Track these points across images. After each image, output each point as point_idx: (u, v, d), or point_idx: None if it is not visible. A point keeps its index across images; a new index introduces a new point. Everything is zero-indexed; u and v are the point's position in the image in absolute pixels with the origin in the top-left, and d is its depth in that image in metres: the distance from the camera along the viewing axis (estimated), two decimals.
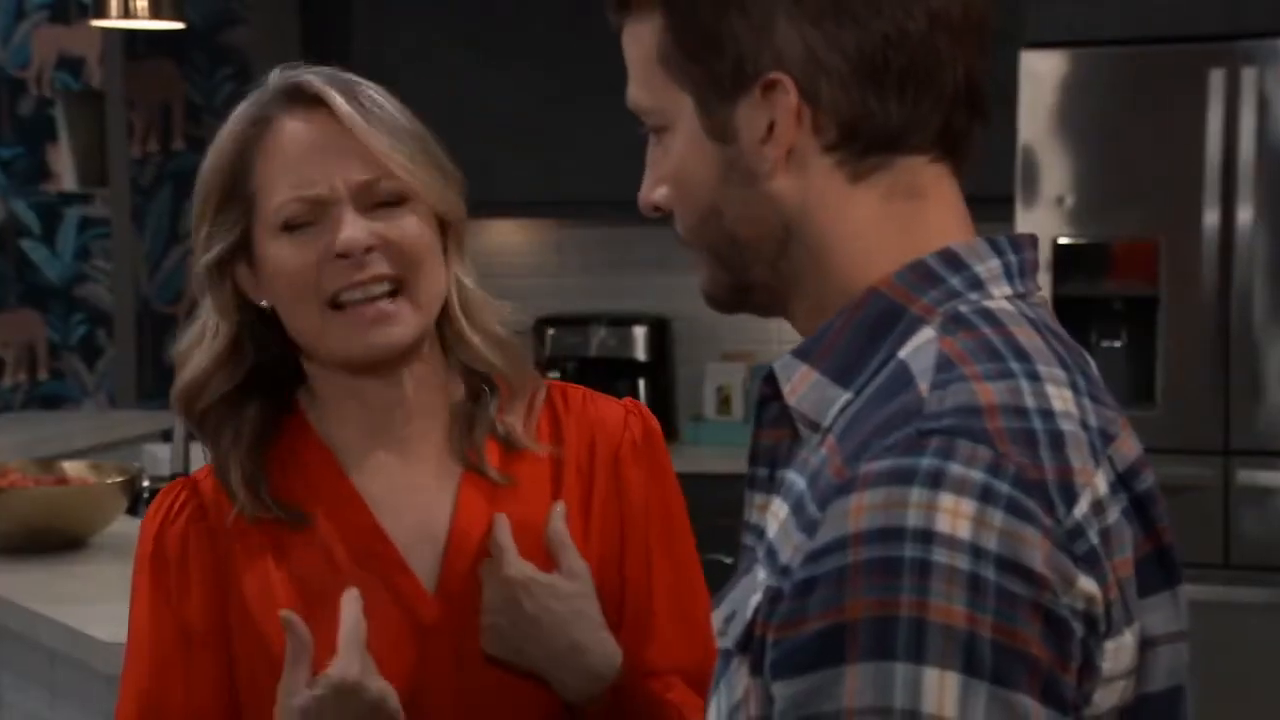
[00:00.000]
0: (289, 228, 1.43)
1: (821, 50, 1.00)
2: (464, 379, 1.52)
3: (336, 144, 1.42)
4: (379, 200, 1.43)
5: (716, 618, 1.04)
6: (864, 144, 1.02)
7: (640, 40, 1.07)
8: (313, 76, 1.46)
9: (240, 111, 1.47)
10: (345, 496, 1.49)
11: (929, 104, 1.02)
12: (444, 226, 1.47)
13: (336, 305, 1.42)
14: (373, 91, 1.46)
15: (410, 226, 1.43)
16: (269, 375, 1.50)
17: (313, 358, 1.48)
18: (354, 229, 1.41)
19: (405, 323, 1.43)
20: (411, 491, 1.50)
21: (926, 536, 0.89)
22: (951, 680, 0.88)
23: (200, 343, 1.48)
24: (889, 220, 1.03)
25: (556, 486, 1.52)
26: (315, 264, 1.41)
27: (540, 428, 1.54)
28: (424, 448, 1.51)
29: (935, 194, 1.04)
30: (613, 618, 1.49)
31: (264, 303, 1.47)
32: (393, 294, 1.43)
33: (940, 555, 0.88)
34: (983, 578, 0.88)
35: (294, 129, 1.43)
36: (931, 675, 0.88)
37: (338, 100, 1.43)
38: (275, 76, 1.48)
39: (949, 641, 0.88)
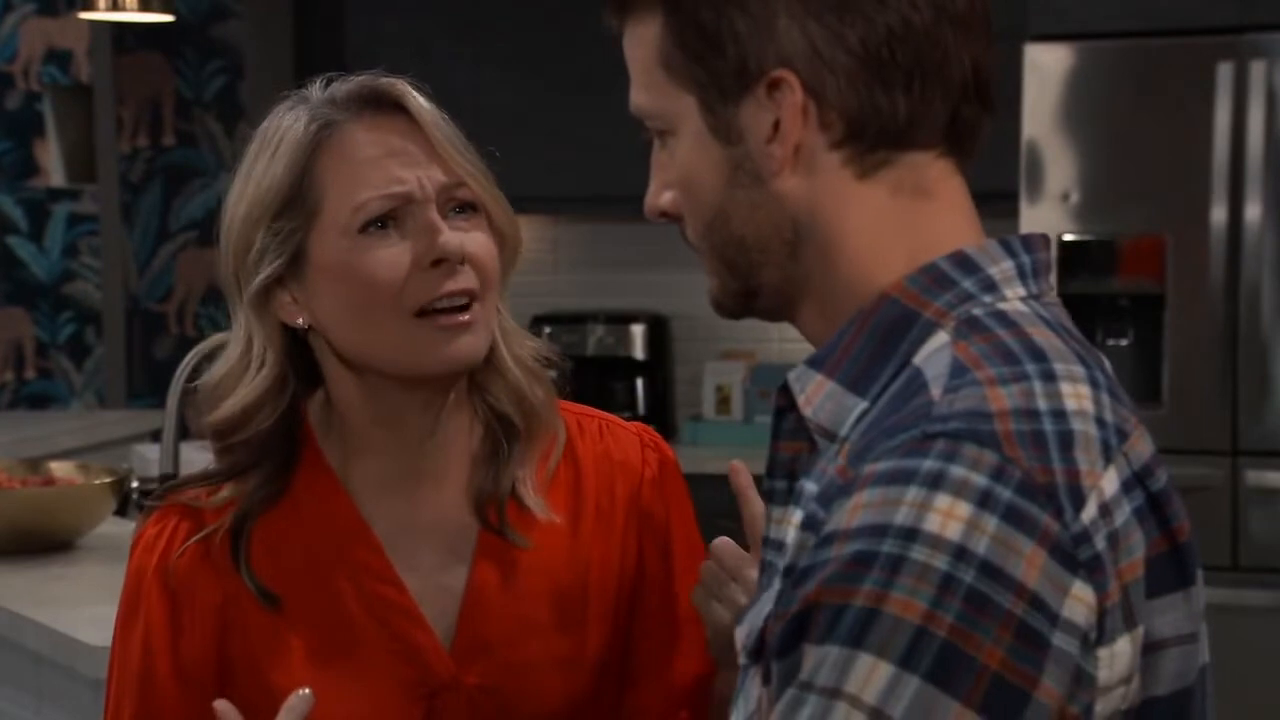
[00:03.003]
0: (365, 230, 1.38)
1: (825, 46, 0.99)
2: (484, 425, 1.47)
3: (417, 147, 1.40)
4: (454, 208, 1.40)
5: (739, 635, 1.04)
6: (871, 140, 1.01)
7: (641, 42, 1.06)
8: (388, 79, 1.43)
9: (289, 122, 1.42)
10: (360, 541, 1.44)
11: (936, 97, 1.01)
12: (500, 247, 1.44)
13: (419, 314, 1.38)
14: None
15: (484, 241, 1.41)
16: (301, 412, 1.45)
17: (366, 377, 1.42)
18: (452, 234, 1.38)
19: (481, 334, 1.40)
20: (429, 537, 1.46)
21: (910, 534, 0.89)
22: (883, 669, 0.88)
23: (244, 373, 1.43)
24: (896, 217, 1.02)
25: (576, 525, 1.49)
26: (407, 268, 1.37)
27: (558, 470, 1.50)
28: (443, 492, 1.46)
29: (942, 192, 1.04)
30: (628, 647, 1.50)
31: (300, 322, 1.42)
32: (466, 306, 1.40)
33: (918, 553, 0.89)
34: (958, 579, 0.88)
35: (369, 131, 1.40)
36: (864, 660, 0.89)
37: (420, 103, 1.41)
38: (324, 89, 1.44)
39: (895, 633, 0.88)
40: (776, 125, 1.01)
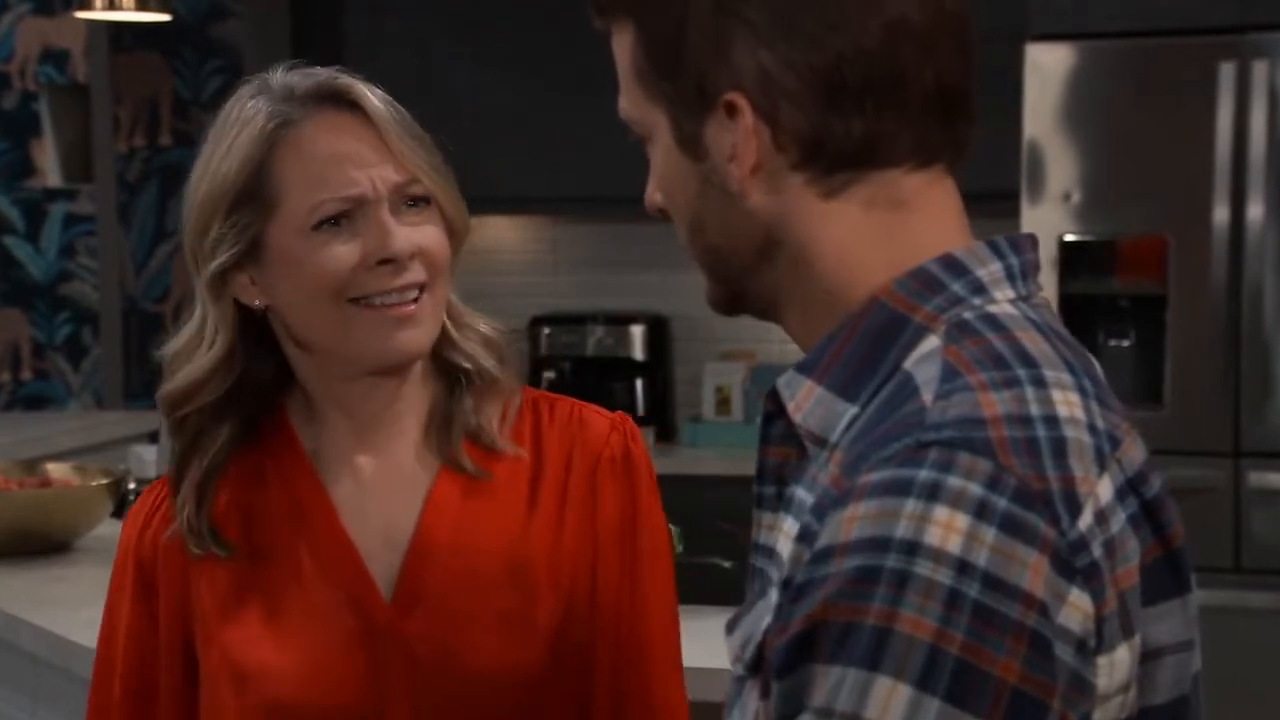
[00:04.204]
0: (318, 227, 1.43)
1: (776, 71, 0.99)
2: (442, 377, 1.52)
3: (370, 145, 1.44)
4: (406, 202, 1.45)
5: (731, 644, 1.03)
6: (829, 162, 1.00)
7: (621, 48, 1.06)
8: (345, 78, 1.46)
9: (250, 113, 1.45)
10: (316, 504, 1.50)
11: (893, 118, 1.00)
12: (450, 237, 1.48)
13: (360, 302, 1.43)
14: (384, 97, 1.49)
15: (435, 234, 1.46)
16: (254, 383, 1.51)
17: (319, 359, 1.48)
18: (401, 235, 1.43)
19: (427, 325, 1.45)
20: (383, 492, 1.50)
21: (912, 548, 0.88)
22: (902, 692, 0.87)
23: (196, 349, 1.48)
24: (872, 230, 1.02)
25: (533, 492, 1.51)
26: (355, 265, 1.42)
27: (521, 436, 1.53)
28: (401, 448, 1.51)
29: (920, 202, 1.02)
30: (587, 634, 1.48)
31: (257, 303, 1.47)
32: (415, 299, 1.45)
33: (922, 568, 0.88)
34: (963, 594, 0.87)
35: (325, 130, 1.44)
36: (882, 683, 0.87)
37: (374, 103, 1.45)
38: (285, 78, 1.47)
39: (910, 653, 0.87)
40: (736, 146, 1.01)
